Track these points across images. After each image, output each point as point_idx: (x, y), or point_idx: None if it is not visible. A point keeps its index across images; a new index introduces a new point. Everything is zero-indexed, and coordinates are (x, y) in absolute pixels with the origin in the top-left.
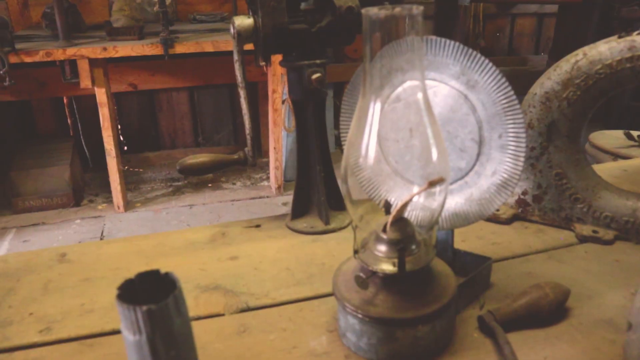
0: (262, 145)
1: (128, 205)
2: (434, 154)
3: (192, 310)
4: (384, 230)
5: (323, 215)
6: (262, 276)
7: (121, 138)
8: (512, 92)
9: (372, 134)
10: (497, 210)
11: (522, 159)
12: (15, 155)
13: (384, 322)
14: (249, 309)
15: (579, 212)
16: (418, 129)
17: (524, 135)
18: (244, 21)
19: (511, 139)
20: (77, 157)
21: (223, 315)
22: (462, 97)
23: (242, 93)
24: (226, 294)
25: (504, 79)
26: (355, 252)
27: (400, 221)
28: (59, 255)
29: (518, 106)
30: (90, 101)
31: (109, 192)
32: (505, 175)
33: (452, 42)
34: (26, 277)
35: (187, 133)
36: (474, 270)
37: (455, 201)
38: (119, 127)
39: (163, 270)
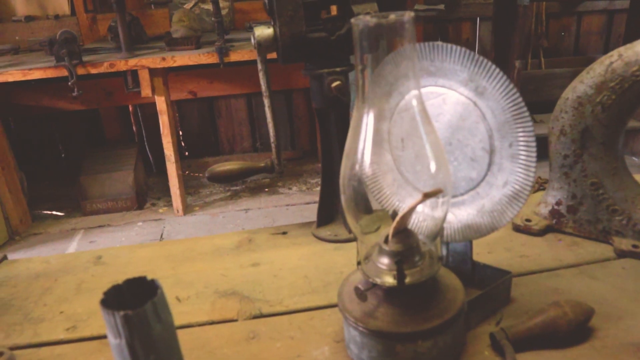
0: (318, 151)
1: (187, 209)
2: (432, 164)
3: (208, 315)
4: (386, 241)
5: (347, 224)
6: (279, 283)
7: (182, 144)
8: (520, 99)
9: (366, 146)
10: (529, 221)
11: (534, 170)
12: (85, 161)
13: (383, 336)
14: (261, 316)
15: (618, 224)
16: (411, 138)
17: (534, 144)
18: (263, 31)
19: (522, 148)
20: (140, 163)
21: (236, 320)
22: (471, 104)
23: (266, 102)
24: (242, 300)
25: (511, 86)
26: (358, 263)
27: (404, 232)
28: (95, 258)
29: (527, 113)
30: (153, 109)
31: (170, 196)
32: (517, 187)
33: (459, 48)
34: (63, 277)
35: (245, 138)
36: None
37: (467, 212)
38: (181, 133)
39: (186, 275)
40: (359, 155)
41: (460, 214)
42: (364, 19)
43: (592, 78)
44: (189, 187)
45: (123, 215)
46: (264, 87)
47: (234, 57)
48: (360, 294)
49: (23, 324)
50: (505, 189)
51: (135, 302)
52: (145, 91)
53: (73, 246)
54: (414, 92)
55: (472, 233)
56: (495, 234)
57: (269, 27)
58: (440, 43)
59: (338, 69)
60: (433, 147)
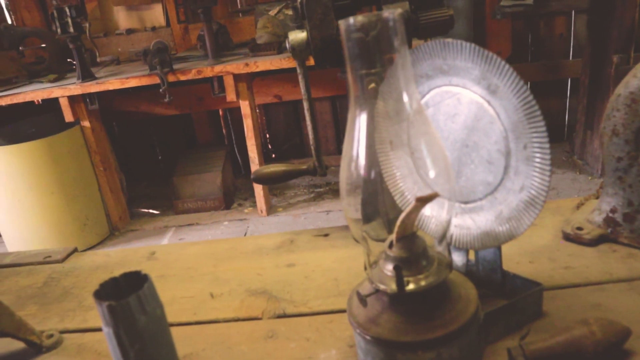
0: None
1: (271, 210)
2: (431, 168)
3: (235, 312)
4: (391, 246)
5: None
6: (309, 285)
7: (269, 146)
8: (531, 98)
9: (360, 147)
10: (581, 229)
11: (549, 173)
12: (178, 162)
13: (382, 343)
14: (284, 316)
15: None
16: (413, 140)
17: (547, 146)
18: (297, 35)
19: (536, 149)
20: (229, 164)
21: (260, 319)
22: (485, 104)
23: (305, 105)
24: (269, 299)
25: (522, 83)
26: (365, 268)
27: (409, 237)
28: (149, 254)
29: (539, 112)
30: (241, 113)
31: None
32: (533, 192)
33: (469, 44)
34: (119, 270)
35: (330, 141)
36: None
37: (486, 218)
38: (267, 136)
39: (224, 272)
40: (354, 159)
41: (479, 220)
42: (350, 19)
43: None
44: (274, 188)
45: (211, 214)
46: (303, 91)
47: (313, 61)
48: (361, 299)
49: (76, 311)
50: (521, 194)
51: (131, 294)
52: (230, 96)
53: (164, 242)
54: (437, 90)
55: (490, 240)
56: (541, 242)
57: (302, 32)
58: (450, 40)
59: (373, 71)
60: (431, 150)
